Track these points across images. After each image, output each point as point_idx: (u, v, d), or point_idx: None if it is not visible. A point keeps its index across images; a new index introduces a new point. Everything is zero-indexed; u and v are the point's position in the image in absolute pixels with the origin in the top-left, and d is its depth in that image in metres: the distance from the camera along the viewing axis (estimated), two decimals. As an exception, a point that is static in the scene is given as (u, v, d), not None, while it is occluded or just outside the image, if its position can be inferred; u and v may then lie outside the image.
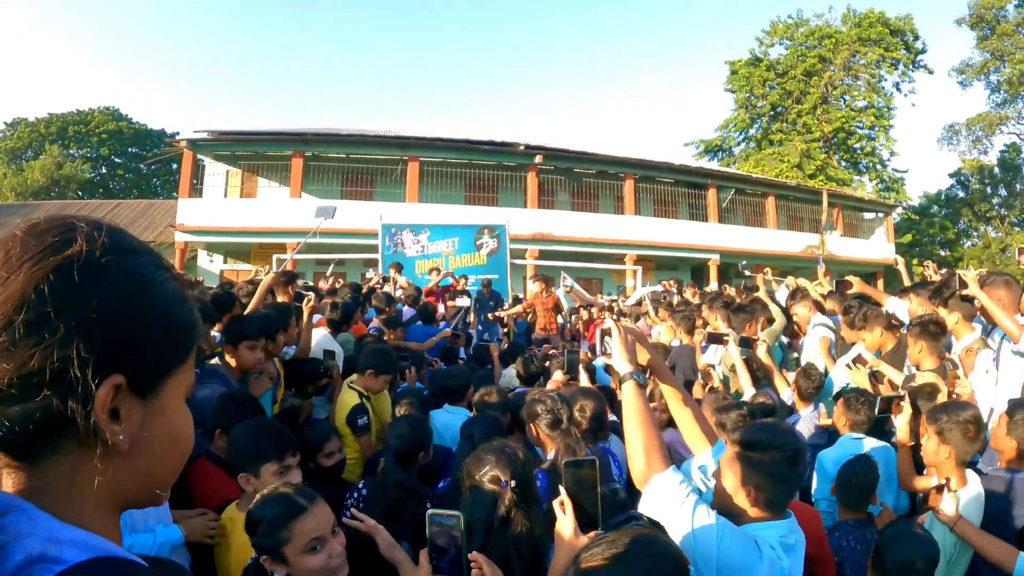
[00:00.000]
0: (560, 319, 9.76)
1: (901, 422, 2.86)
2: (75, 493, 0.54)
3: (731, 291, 7.18)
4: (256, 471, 1.97)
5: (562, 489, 1.53)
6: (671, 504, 1.45)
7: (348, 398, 3.27)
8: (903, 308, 4.12)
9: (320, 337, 4.20)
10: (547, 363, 4.62)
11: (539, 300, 9.38)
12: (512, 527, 1.66)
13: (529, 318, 9.58)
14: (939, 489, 2.29)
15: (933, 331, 3.40)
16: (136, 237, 0.59)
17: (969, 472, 2.48)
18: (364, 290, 7.20)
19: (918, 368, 3.47)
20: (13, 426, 0.51)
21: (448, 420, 3.30)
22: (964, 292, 3.42)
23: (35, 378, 0.51)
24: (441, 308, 8.25)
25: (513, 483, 1.68)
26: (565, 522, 1.51)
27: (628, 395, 1.60)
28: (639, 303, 9.70)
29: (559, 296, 9.89)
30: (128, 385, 0.55)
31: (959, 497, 2.31)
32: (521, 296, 11.34)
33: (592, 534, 1.45)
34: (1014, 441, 2.47)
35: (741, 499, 1.53)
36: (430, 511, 1.60)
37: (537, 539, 1.68)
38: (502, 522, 1.66)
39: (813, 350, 4.75)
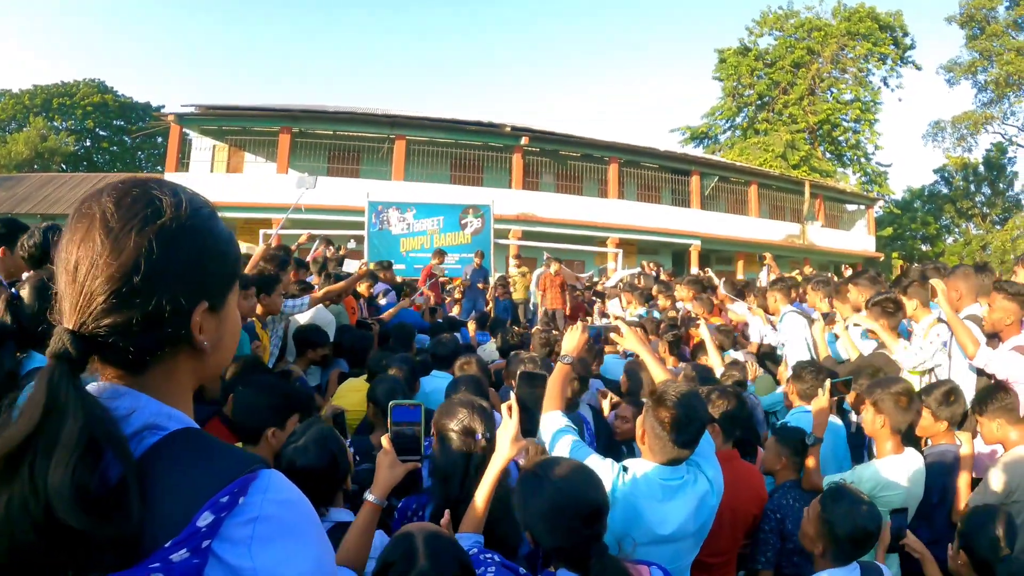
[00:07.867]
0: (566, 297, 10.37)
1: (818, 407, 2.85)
2: (170, 384, 0.73)
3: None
4: (282, 425, 2.13)
5: (513, 396, 1.75)
6: (547, 431, 2.03)
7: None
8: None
9: (315, 310, 4.28)
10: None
11: (548, 279, 10.21)
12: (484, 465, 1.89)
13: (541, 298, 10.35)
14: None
15: (890, 309, 3.65)
16: (195, 191, 0.76)
17: (909, 448, 2.62)
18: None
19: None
20: (137, 351, 0.69)
21: (436, 384, 3.37)
22: (933, 300, 3.50)
23: (153, 317, 0.68)
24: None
25: (488, 435, 1.87)
26: (510, 425, 1.69)
27: (557, 369, 2.20)
28: (617, 285, 10.01)
29: (566, 276, 10.71)
30: (208, 306, 0.73)
31: (893, 464, 2.50)
32: (507, 277, 11.54)
33: (530, 441, 1.71)
34: (943, 422, 2.75)
35: (639, 436, 1.94)
36: (393, 402, 1.69)
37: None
38: (477, 466, 1.83)
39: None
